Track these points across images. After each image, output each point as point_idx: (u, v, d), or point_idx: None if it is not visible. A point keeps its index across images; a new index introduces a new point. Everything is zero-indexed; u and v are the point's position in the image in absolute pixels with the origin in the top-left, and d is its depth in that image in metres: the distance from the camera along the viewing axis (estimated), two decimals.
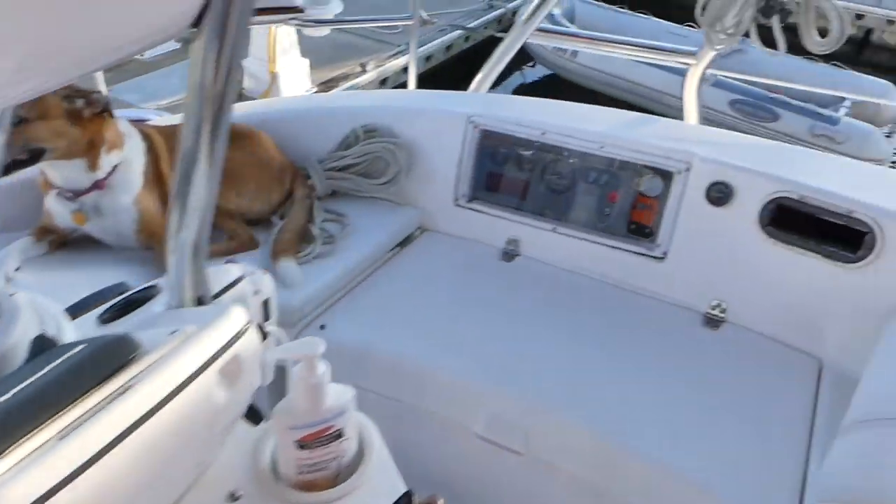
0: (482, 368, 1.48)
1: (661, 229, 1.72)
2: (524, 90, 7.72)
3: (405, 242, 1.92)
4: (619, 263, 1.76)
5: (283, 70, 5.02)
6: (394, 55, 6.27)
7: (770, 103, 5.89)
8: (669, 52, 2.09)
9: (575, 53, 6.84)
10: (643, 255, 1.74)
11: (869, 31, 9.30)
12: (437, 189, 1.93)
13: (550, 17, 7.11)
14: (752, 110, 5.90)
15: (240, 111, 1.97)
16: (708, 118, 6.15)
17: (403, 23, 2.31)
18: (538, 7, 1.97)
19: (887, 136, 6.33)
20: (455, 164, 1.89)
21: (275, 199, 1.79)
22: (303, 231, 1.73)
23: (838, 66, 6.96)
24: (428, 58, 6.44)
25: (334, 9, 3.34)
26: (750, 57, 7.08)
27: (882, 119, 6.65)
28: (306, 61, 5.31)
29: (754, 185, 1.58)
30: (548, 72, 7.70)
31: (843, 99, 6.53)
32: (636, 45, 2.09)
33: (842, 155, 5.57)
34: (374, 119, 1.92)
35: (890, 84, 7.17)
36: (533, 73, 7.84)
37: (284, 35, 5.01)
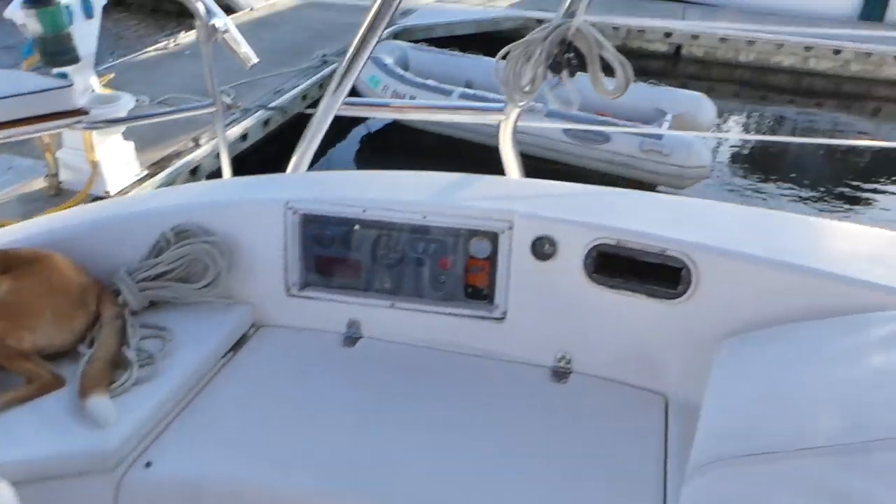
0: (331, 476, 1.38)
1: (496, 290, 1.70)
2: (369, 140, 7.74)
3: (239, 344, 1.79)
4: (461, 330, 1.73)
5: (105, 157, 4.71)
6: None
7: (600, 126, 6.21)
8: (480, 110, 2.11)
9: (413, 99, 6.93)
10: (483, 317, 1.71)
11: (679, 47, 10.12)
12: (265, 281, 1.82)
13: (384, 67, 7.20)
14: (585, 135, 6.20)
15: (26, 230, 1.78)
16: (545, 147, 6.42)
17: (205, 111, 2.19)
18: (343, 78, 1.93)
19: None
20: (280, 252, 1.80)
21: (78, 326, 1.61)
22: (115, 357, 1.55)
23: (654, 83, 7.51)
24: (244, 136, 6.11)
25: (125, 105, 3.16)
26: (574, 85, 7.46)
27: (701, 127, 7.21)
28: (130, 144, 5.02)
29: (574, 236, 1.59)
30: (389, 119, 7.77)
31: (665, 113, 7.03)
32: (447, 109, 2.09)
33: (671, 166, 6.02)
34: (185, 218, 1.79)
35: (702, 95, 7.82)
36: (376, 123, 7.87)
37: None
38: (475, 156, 6.89)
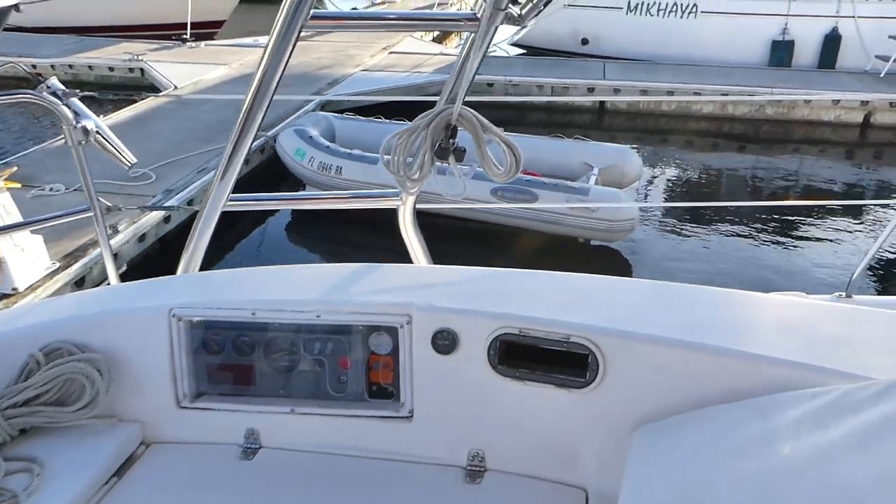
0: None
1: (402, 387, 1.59)
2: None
3: (125, 467, 1.61)
4: (367, 432, 1.60)
5: (9, 253, 4.47)
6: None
7: (527, 185, 6.24)
8: (377, 197, 2.03)
9: (339, 169, 6.88)
10: (389, 417, 1.59)
11: (602, 104, 10.42)
12: (153, 395, 1.67)
13: (309, 139, 7.15)
14: (513, 195, 6.22)
15: None
16: (474, 208, 6.41)
17: (81, 215, 2.05)
18: (226, 171, 1.82)
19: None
20: (168, 363, 1.65)
21: None
22: None
23: (580, 138, 7.66)
24: (142, 237, 5.83)
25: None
26: (496, 149, 7.56)
27: (628, 179, 7.35)
28: (39, 237, 4.79)
29: (475, 327, 1.50)
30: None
31: (592, 167, 7.15)
32: (342, 197, 2.00)
33: (599, 220, 6.07)
34: (58, 335, 1.63)
35: (628, 147, 8.00)
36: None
37: (2, 212, 4.49)
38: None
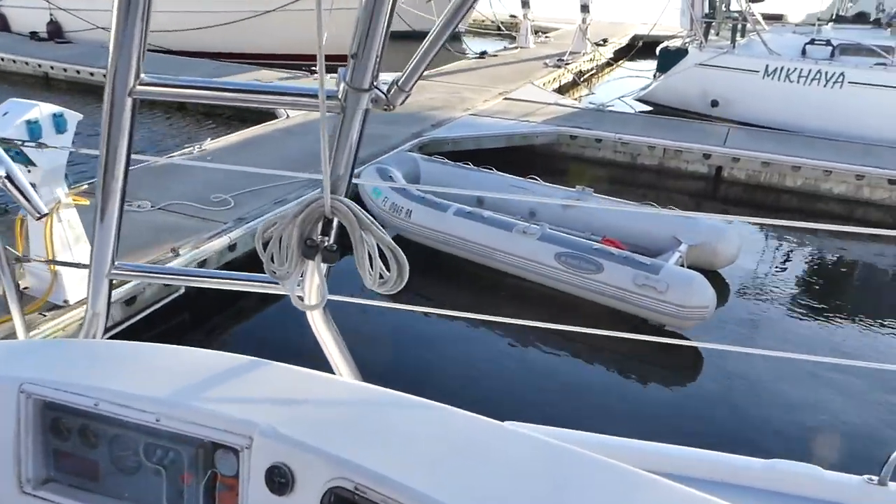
0: None
1: None
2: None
3: None
4: None
5: (65, 266, 4.72)
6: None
7: (594, 255, 5.87)
8: (260, 283, 1.81)
9: (410, 213, 6.81)
10: None
11: (719, 171, 9.73)
12: None
13: (388, 178, 7.14)
14: (577, 262, 5.86)
15: None
16: (537, 272, 6.09)
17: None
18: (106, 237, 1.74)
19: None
20: (12, 441, 1.53)
21: None
22: None
23: (672, 208, 7.13)
24: (202, 262, 5.84)
25: None
26: (582, 211, 7.19)
27: (720, 262, 6.74)
28: None
29: (312, 470, 1.27)
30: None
31: (680, 243, 6.62)
32: (222, 279, 1.82)
33: (667, 304, 5.54)
34: None
35: (726, 224, 7.37)
36: None
37: (65, 227, 4.76)
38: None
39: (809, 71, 11.07)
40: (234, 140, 8.96)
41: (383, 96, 1.51)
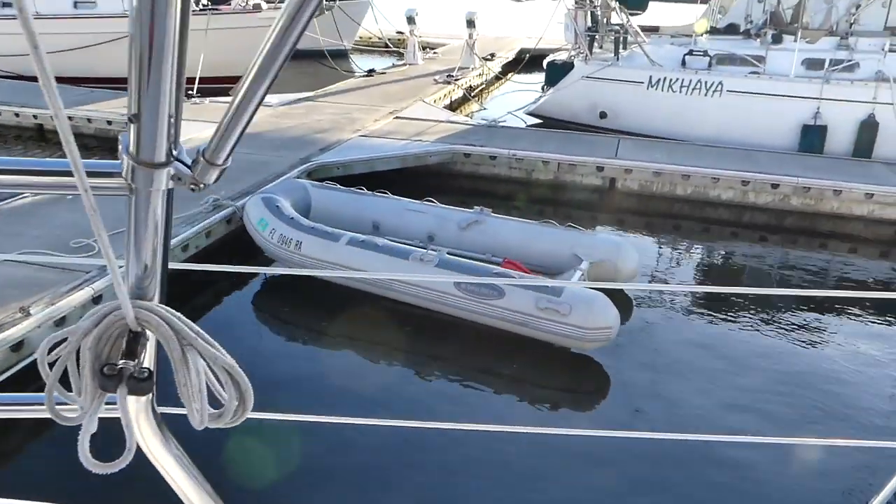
0: None
1: None
2: (272, 283, 7.04)
3: None
4: None
5: None
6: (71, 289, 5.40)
7: (495, 278, 5.59)
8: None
9: (299, 245, 6.33)
10: None
11: (612, 182, 9.76)
12: None
13: (275, 209, 6.64)
14: (477, 289, 5.57)
15: None
16: (437, 300, 5.75)
17: None
18: None
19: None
20: None
21: None
22: None
23: (573, 226, 6.99)
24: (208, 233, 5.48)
25: None
26: (481, 233, 6.92)
27: (621, 277, 6.63)
28: None
29: None
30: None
31: (581, 261, 6.47)
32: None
33: (570, 326, 5.35)
34: None
35: (624, 239, 7.30)
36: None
37: None
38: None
39: (690, 81, 11.38)
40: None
41: (187, 171, 1.05)
